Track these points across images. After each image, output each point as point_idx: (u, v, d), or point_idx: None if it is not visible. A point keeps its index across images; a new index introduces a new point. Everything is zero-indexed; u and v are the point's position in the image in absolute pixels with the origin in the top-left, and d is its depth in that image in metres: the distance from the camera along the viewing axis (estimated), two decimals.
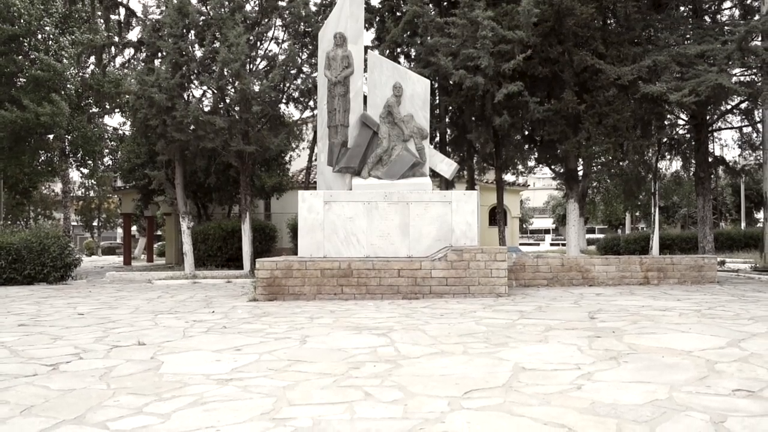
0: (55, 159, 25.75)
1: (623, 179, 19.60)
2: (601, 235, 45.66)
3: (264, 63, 18.21)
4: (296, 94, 18.61)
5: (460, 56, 14.87)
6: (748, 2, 17.00)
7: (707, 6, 17.31)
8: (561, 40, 15.52)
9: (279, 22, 18.00)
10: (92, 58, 21.45)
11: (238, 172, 18.54)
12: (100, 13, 20.71)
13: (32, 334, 6.96)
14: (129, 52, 19.00)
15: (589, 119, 15.62)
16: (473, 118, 16.95)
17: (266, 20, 17.65)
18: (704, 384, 4.08)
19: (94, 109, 24.96)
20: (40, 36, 22.52)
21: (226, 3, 16.80)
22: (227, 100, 17.44)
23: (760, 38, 14.94)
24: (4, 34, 20.74)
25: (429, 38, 16.04)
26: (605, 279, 12.60)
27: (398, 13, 18.15)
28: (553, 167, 19.13)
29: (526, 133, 18.29)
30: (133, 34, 19.55)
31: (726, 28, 16.03)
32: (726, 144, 60.67)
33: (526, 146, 19.30)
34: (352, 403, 3.76)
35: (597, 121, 15.67)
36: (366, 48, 14.47)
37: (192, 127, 16.53)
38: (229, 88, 16.90)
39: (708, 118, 17.40)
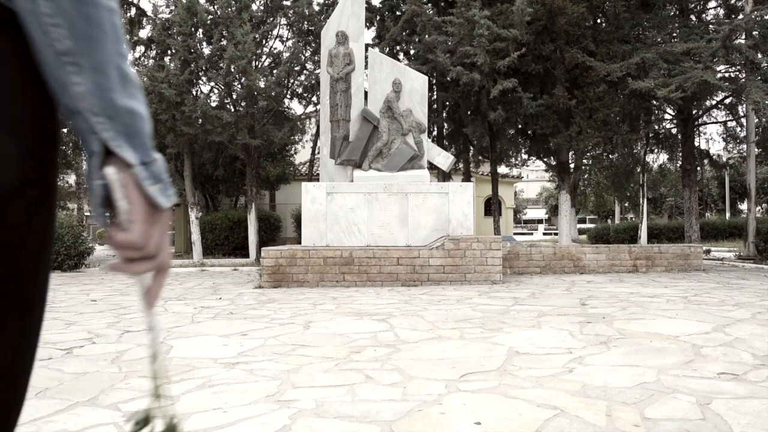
0: (69, 152, 25.87)
1: (613, 171, 19.74)
2: (592, 225, 45.55)
3: (269, 60, 18.26)
4: (300, 90, 18.66)
5: (456, 54, 15.08)
6: (732, 2, 17.08)
7: (693, 5, 17.35)
8: (553, 39, 15.70)
9: (284, 21, 18.06)
10: None
11: (245, 165, 18.57)
12: None
13: (47, 319, 6.85)
14: (140, 49, 19.03)
15: (580, 114, 15.83)
16: (469, 113, 17.14)
17: (271, 19, 17.72)
18: (691, 367, 4.15)
19: None
20: None
21: (233, 2, 16.88)
22: (234, 96, 17.55)
23: (743, 36, 15.05)
24: None
25: (427, 36, 16.19)
26: (596, 267, 12.80)
27: (398, 13, 18.33)
28: (545, 160, 19.19)
29: (520, 127, 18.44)
30: (144, 33, 19.72)
31: (711, 26, 16.13)
32: (711, 138, 60.44)
33: (520, 140, 19.43)
34: (353, 386, 3.79)
35: (587, 116, 15.88)
36: (367, 46, 14.56)
37: (200, 121, 16.62)
38: (236, 84, 16.98)
39: (694, 112, 17.54)
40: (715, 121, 19.33)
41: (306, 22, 17.69)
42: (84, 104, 0.77)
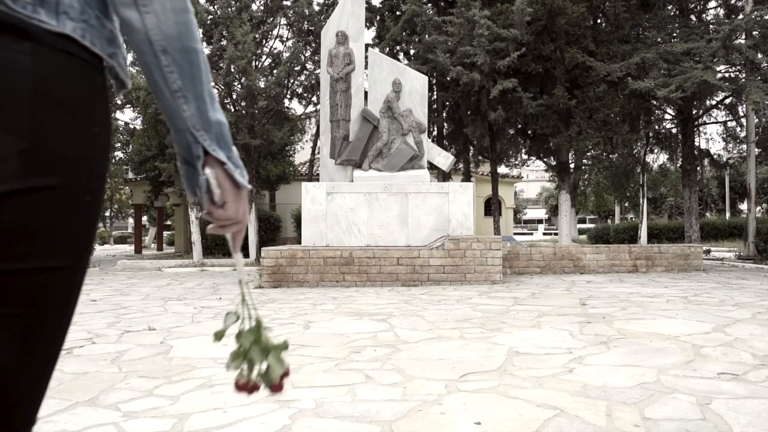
0: None
1: (613, 171, 19.77)
2: (592, 225, 45.65)
3: (269, 60, 18.30)
4: (300, 90, 18.71)
5: (457, 53, 15.11)
6: (732, 2, 17.13)
7: (693, 5, 17.41)
8: (553, 39, 15.72)
9: (284, 20, 18.06)
10: None
11: (245, 165, 18.74)
12: None
13: None
14: None
15: (580, 114, 15.83)
16: (469, 113, 17.14)
17: (271, 19, 17.72)
18: (690, 367, 4.14)
19: None
20: None
21: (233, 2, 16.92)
22: (234, 96, 17.56)
23: (743, 36, 15.11)
24: None
25: (427, 36, 16.24)
26: (596, 267, 12.80)
27: (398, 13, 18.41)
28: (545, 160, 19.29)
29: (520, 127, 18.45)
30: None
31: (711, 26, 16.18)
32: (711, 138, 60.68)
33: (520, 140, 19.48)
34: (353, 386, 3.78)
35: (587, 116, 15.88)
36: (367, 46, 14.56)
37: None
38: (236, 84, 17.00)
39: (694, 112, 17.57)
40: (715, 121, 19.38)
41: (306, 22, 17.71)
42: (190, 124, 1.04)
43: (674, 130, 19.12)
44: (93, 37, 0.95)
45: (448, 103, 18.51)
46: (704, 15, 17.92)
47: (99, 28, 0.97)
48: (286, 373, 1.21)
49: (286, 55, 17.72)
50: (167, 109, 1.04)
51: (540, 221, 76.37)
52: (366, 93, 12.81)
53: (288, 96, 18.53)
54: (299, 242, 13.07)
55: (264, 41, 18.14)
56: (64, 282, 0.95)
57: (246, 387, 1.18)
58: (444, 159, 12.86)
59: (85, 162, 0.94)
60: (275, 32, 18.43)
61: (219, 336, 1.18)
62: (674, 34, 16.26)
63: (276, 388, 1.19)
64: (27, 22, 0.87)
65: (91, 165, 0.95)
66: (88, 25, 0.95)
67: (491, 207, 20.09)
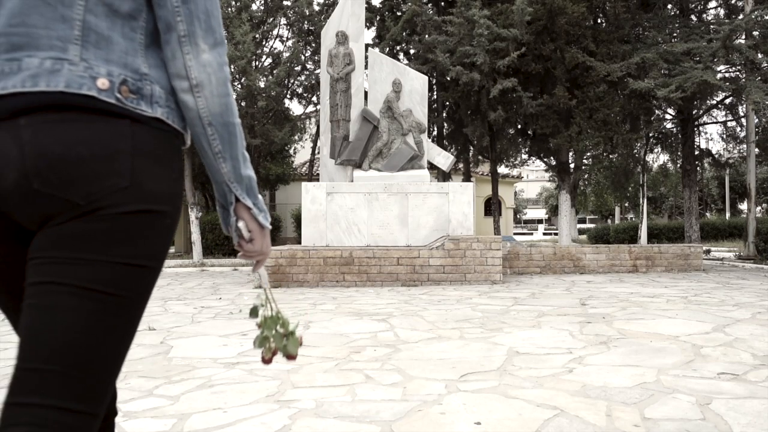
0: None
1: (613, 171, 19.73)
2: (592, 225, 45.58)
3: (269, 60, 18.33)
4: (300, 90, 18.77)
5: (456, 53, 15.10)
6: (733, 2, 17.13)
7: (693, 5, 17.42)
8: (553, 38, 15.71)
9: (283, 20, 18.12)
10: None
11: None
12: None
13: None
14: None
15: (580, 114, 15.82)
16: (469, 113, 17.11)
17: (271, 19, 17.74)
18: (690, 367, 4.15)
19: None
20: None
21: (233, 2, 16.87)
22: (234, 96, 17.61)
23: (743, 36, 15.09)
24: None
25: (427, 36, 16.25)
26: (596, 267, 12.77)
27: (398, 13, 18.40)
28: (545, 160, 19.29)
29: (520, 127, 18.44)
30: None
31: (711, 26, 16.12)
32: (711, 138, 60.79)
33: (520, 140, 19.51)
34: (353, 386, 3.78)
35: (587, 116, 15.88)
36: (367, 46, 14.56)
37: None
38: (236, 84, 16.97)
39: (694, 112, 17.54)
40: (715, 121, 19.37)
41: (306, 22, 17.79)
42: (227, 178, 1.32)
43: (674, 130, 19.11)
44: (173, 117, 1.27)
45: (448, 103, 18.53)
46: (704, 15, 17.91)
47: (176, 109, 1.28)
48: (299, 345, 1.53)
49: (286, 55, 17.76)
50: (210, 166, 1.33)
51: (540, 221, 76.28)
52: (366, 93, 12.77)
53: (288, 96, 18.54)
54: (299, 242, 13.04)
55: (264, 41, 18.16)
56: (147, 278, 1.22)
57: (270, 360, 1.48)
58: (444, 159, 12.84)
59: (167, 196, 1.23)
60: (275, 32, 18.49)
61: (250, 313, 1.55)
62: (674, 34, 16.23)
63: (291, 358, 1.49)
64: (132, 111, 1.19)
65: (170, 198, 1.24)
66: (170, 109, 1.26)
67: (491, 207, 20.10)
